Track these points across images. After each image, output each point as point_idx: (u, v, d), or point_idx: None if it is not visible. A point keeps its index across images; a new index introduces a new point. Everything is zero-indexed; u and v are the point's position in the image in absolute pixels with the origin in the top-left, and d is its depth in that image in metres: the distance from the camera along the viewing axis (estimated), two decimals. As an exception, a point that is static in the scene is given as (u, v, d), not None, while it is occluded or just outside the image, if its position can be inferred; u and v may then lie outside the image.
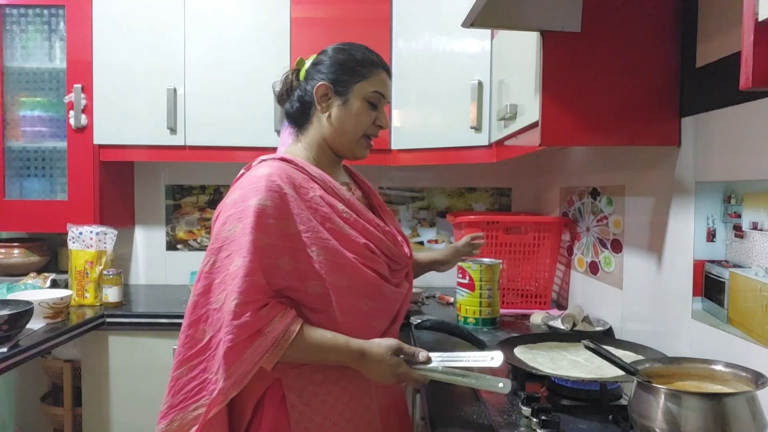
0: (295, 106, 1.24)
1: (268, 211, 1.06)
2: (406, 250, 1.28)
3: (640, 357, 1.08)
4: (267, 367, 1.06)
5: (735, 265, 1.13)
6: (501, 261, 1.89)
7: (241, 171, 1.21)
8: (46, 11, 2.35)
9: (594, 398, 1.13)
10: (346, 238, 1.13)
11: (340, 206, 1.15)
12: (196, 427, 1.07)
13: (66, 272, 2.32)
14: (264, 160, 1.17)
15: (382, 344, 1.09)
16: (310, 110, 1.23)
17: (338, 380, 1.14)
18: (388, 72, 1.25)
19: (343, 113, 1.20)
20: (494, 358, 1.07)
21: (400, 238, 1.28)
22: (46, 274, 2.32)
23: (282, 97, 1.28)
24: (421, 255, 1.63)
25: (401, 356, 1.10)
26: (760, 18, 0.59)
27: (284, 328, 1.05)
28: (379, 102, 1.23)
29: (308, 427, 1.11)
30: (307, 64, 1.25)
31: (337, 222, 1.13)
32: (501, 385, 1.03)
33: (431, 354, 1.11)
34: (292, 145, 1.26)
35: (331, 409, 1.13)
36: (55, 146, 2.37)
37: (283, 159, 1.17)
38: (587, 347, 0.90)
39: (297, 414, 1.11)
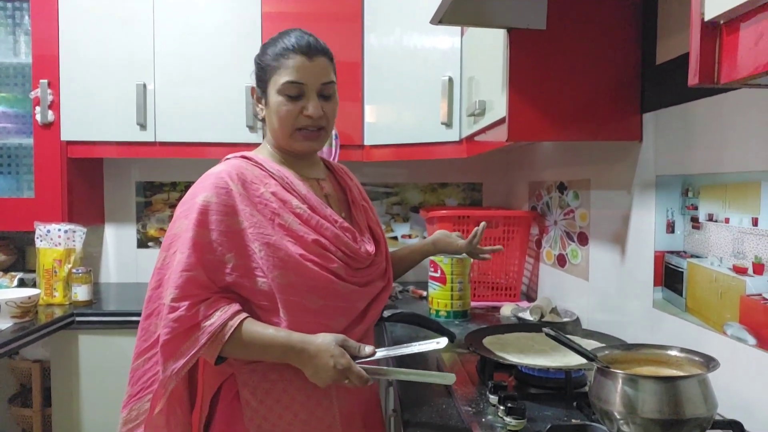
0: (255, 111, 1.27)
1: (211, 207, 1.07)
2: (368, 247, 1.21)
3: (601, 345, 1.11)
4: (210, 361, 1.08)
5: (692, 256, 1.18)
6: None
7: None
8: (9, 4, 2.30)
9: (559, 386, 1.16)
10: (294, 234, 1.10)
11: (295, 202, 1.13)
12: (146, 416, 1.12)
13: (34, 271, 2.28)
14: (227, 159, 1.19)
15: (326, 336, 1.06)
16: (258, 112, 1.24)
17: (293, 380, 1.10)
18: (309, 53, 1.14)
19: (268, 111, 1.18)
20: (440, 342, 1.08)
21: (365, 236, 1.24)
22: (12, 273, 2.28)
23: None
24: (416, 244, 1.57)
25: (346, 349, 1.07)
26: (706, 18, 0.62)
27: (222, 323, 1.04)
28: (298, 91, 1.14)
29: (261, 425, 1.10)
30: None
31: (287, 218, 1.11)
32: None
33: (377, 349, 1.08)
34: (262, 144, 1.26)
35: (286, 408, 1.11)
36: (21, 143, 2.33)
37: (243, 156, 1.18)
38: (548, 335, 0.93)
39: (250, 411, 1.11)
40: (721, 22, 0.62)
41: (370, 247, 1.22)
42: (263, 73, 1.17)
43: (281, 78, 1.13)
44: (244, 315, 1.07)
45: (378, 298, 1.23)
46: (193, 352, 1.04)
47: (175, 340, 1.04)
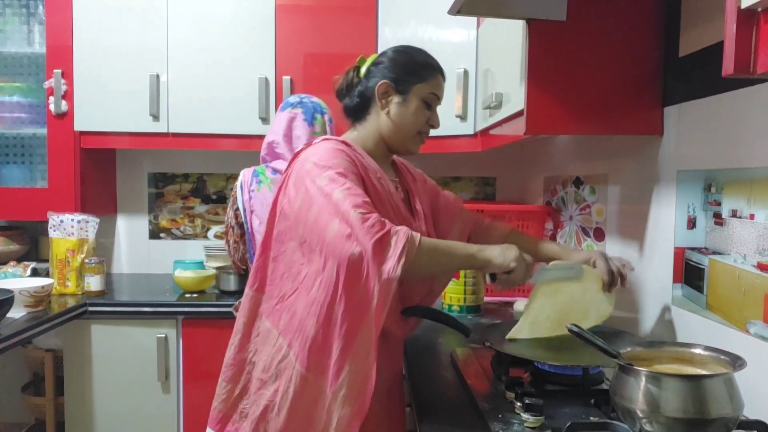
0: (355, 101, 1.30)
1: (344, 167, 1.13)
2: None
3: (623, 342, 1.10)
4: (401, 272, 1.02)
5: (714, 252, 1.15)
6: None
7: (302, 147, 1.25)
8: (24, -6, 2.30)
9: (576, 383, 1.15)
10: (387, 215, 1.17)
11: (386, 197, 1.22)
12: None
13: (47, 261, 2.29)
14: (327, 139, 1.23)
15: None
16: (369, 105, 1.29)
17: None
18: (444, 77, 1.32)
19: (401, 110, 1.26)
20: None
21: None
22: (26, 262, 2.28)
23: (342, 92, 1.34)
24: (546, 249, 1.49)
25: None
26: (743, 5, 0.60)
27: (406, 231, 1.04)
28: (433, 103, 1.29)
29: None
30: (368, 62, 1.32)
31: (387, 207, 1.19)
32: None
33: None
34: (348, 134, 1.31)
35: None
36: (34, 133, 2.33)
37: (343, 142, 1.23)
38: (571, 331, 0.91)
39: None
40: (759, 9, 0.60)
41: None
42: (409, 75, 1.27)
43: (429, 88, 1.27)
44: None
45: (431, 294, 1.31)
46: (398, 252, 1.01)
47: (380, 242, 1.02)
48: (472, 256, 1.12)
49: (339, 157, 1.14)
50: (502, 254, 1.11)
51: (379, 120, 1.28)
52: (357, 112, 1.31)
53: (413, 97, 1.27)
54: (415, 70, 1.28)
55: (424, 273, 1.14)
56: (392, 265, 1.01)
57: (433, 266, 1.11)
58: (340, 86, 1.34)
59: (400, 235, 1.03)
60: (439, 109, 2.11)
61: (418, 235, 1.06)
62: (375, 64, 1.30)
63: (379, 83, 1.26)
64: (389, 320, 1.17)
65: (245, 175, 1.76)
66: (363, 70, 1.31)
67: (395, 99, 1.26)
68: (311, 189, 1.11)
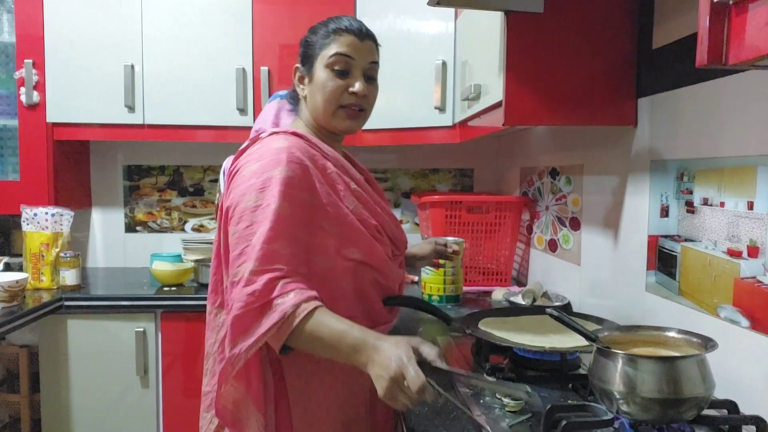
0: (291, 91, 1.27)
1: (292, 181, 1.04)
2: (405, 236, 1.31)
3: (599, 327, 1.12)
4: (275, 347, 1.00)
5: (686, 240, 1.19)
6: (464, 240, 1.93)
7: (246, 143, 1.18)
8: (-9, -18, 2.24)
9: (554, 368, 1.17)
10: (360, 215, 1.14)
11: (352, 184, 1.16)
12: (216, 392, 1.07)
13: (20, 255, 2.25)
14: (275, 132, 1.14)
15: (400, 338, 0.94)
16: (298, 93, 1.23)
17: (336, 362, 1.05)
18: (361, 35, 1.16)
19: (312, 88, 1.18)
20: (528, 393, 0.89)
21: (399, 224, 1.30)
22: (-2, 257, 2.24)
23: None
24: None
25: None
26: (716, -1, 0.62)
27: (296, 303, 0.96)
28: (346, 66, 1.14)
29: (307, 406, 1.12)
30: None
31: (351, 200, 1.14)
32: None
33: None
34: (295, 122, 1.24)
35: (330, 388, 1.14)
36: (5, 124, 2.28)
37: (294, 133, 1.14)
38: (551, 315, 0.94)
39: (296, 393, 1.11)
40: (730, 2, 0.62)
41: (405, 236, 1.31)
42: (310, 49, 1.17)
43: (330, 51, 1.14)
44: (318, 303, 0.99)
45: (402, 282, 1.30)
46: (263, 330, 0.96)
47: (248, 316, 0.97)
48: (353, 351, 0.94)
49: (282, 164, 1.04)
50: (380, 371, 0.89)
51: (306, 105, 1.21)
52: (293, 100, 1.27)
53: (317, 69, 1.16)
54: (315, 41, 1.17)
55: (305, 349, 1.01)
56: (250, 342, 0.96)
57: (312, 350, 1.00)
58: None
59: (276, 311, 0.95)
60: (418, 101, 2.15)
61: (304, 312, 0.95)
62: None
63: (293, 69, 1.22)
64: (373, 312, 1.18)
65: (227, 163, 1.74)
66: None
67: (307, 80, 1.19)
68: (239, 208, 1.04)
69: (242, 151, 1.17)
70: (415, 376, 0.85)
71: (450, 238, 1.84)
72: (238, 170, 1.11)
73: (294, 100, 1.27)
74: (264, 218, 1.01)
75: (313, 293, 1.00)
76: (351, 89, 1.15)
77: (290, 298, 0.97)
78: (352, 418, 1.17)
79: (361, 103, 1.17)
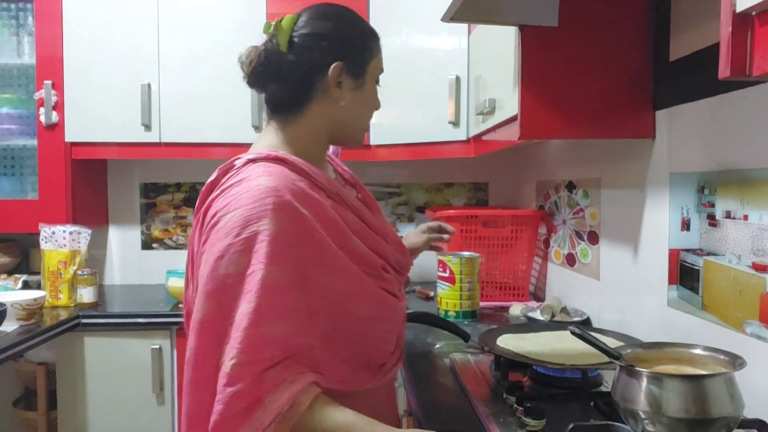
0: (290, 90, 0.97)
1: (282, 237, 0.83)
2: (410, 259, 1.15)
3: (621, 343, 1.10)
4: None
5: (709, 254, 1.16)
6: (480, 255, 1.92)
7: (215, 174, 0.96)
8: (13, 5, 2.29)
9: (575, 386, 1.15)
10: (363, 258, 0.95)
11: (350, 216, 0.96)
12: None
13: (38, 273, 2.27)
14: (253, 160, 0.92)
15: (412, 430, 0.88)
16: (309, 93, 0.97)
17: (359, 400, 0.92)
18: None
19: (358, 98, 1.00)
20: None
21: (404, 247, 1.13)
22: (17, 275, 2.26)
23: (256, 74, 0.98)
24: None
25: None
26: (738, 9, 0.61)
27: (290, 398, 0.80)
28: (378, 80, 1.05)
29: None
30: (287, 29, 0.96)
31: (351, 240, 0.94)
32: None
33: None
34: (272, 136, 1.00)
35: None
36: (25, 144, 2.31)
37: (277, 158, 0.92)
38: (573, 333, 0.92)
39: None
40: (754, 13, 0.61)
41: (409, 256, 1.14)
42: (363, 50, 0.99)
43: (379, 63, 1.02)
44: (317, 390, 0.84)
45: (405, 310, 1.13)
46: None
47: (232, 421, 0.78)
48: None
49: (268, 216, 0.83)
50: None
51: (327, 112, 0.98)
52: (291, 104, 0.98)
53: (369, 78, 1.01)
54: (367, 42, 1.00)
55: None
56: None
57: None
58: (252, 65, 0.98)
59: (268, 411, 0.78)
60: (432, 116, 2.16)
61: (303, 407, 0.80)
62: (303, 34, 0.96)
63: (333, 67, 0.95)
64: (379, 356, 1.02)
65: (204, 189, 1.73)
66: (284, 40, 0.96)
67: (349, 84, 0.98)
68: (219, 273, 0.83)
69: (213, 184, 0.95)
70: None
71: (466, 253, 1.82)
72: (214, 216, 0.88)
73: (293, 104, 0.98)
74: (248, 290, 0.81)
75: (311, 378, 0.84)
76: (377, 105, 1.08)
77: (282, 391, 0.80)
78: None
79: None
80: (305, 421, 0.81)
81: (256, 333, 0.80)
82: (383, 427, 0.84)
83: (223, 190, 0.90)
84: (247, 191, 0.86)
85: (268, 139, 1.00)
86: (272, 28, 0.98)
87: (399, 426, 1.11)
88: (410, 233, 1.52)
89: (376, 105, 1.06)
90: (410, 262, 1.14)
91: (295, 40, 0.96)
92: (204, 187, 0.97)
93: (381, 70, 1.05)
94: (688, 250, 1.24)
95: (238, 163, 0.94)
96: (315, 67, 0.96)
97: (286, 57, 0.96)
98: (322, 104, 0.98)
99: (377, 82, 1.05)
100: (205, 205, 0.93)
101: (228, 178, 0.92)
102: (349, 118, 1.01)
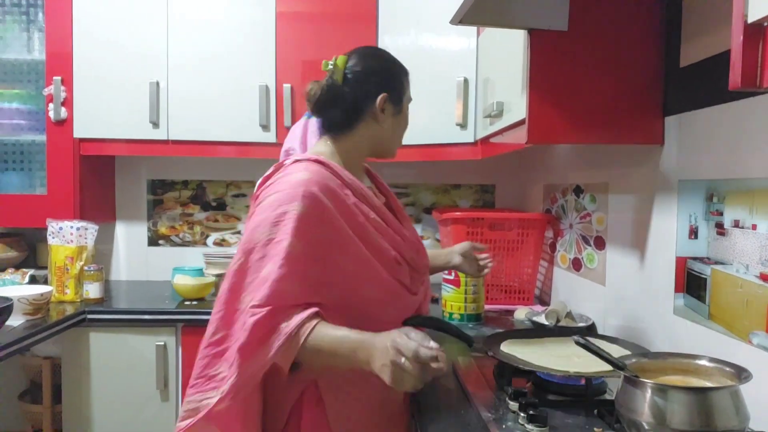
0: (344, 114, 1.22)
1: (306, 218, 1.06)
2: (426, 261, 1.34)
3: (626, 352, 1.09)
4: (284, 367, 1.06)
5: (717, 262, 1.15)
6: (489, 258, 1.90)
7: (271, 169, 1.21)
8: (24, 1, 2.30)
9: (579, 393, 1.14)
10: (378, 248, 1.16)
11: (372, 214, 1.18)
12: (202, 413, 1.08)
13: (44, 268, 2.28)
14: (299, 161, 1.17)
15: (390, 333, 1.01)
16: (360, 117, 1.22)
17: (369, 377, 1.05)
18: None
19: (397, 121, 1.27)
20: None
21: (422, 248, 1.33)
22: (24, 269, 2.27)
23: (320, 102, 1.23)
24: (435, 257, 1.60)
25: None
26: (750, 20, 0.60)
27: (299, 323, 1.02)
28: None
29: (344, 424, 1.16)
30: (341, 67, 1.21)
31: (370, 231, 1.16)
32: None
33: None
34: (323, 147, 1.24)
35: (363, 404, 1.18)
36: (33, 139, 2.32)
37: (318, 161, 1.16)
38: (578, 343, 0.91)
39: (335, 412, 1.15)
40: (766, 24, 0.60)
41: (427, 259, 1.34)
42: (401, 85, 1.27)
43: (409, 91, 1.30)
44: (319, 318, 1.06)
45: (422, 304, 1.31)
46: (269, 356, 1.02)
47: (253, 344, 1.02)
48: (353, 353, 1.02)
49: (298, 200, 1.07)
50: (383, 365, 0.97)
51: (371, 132, 1.24)
52: (343, 126, 1.23)
53: (405, 106, 1.29)
54: (403, 79, 1.29)
55: (312, 363, 1.09)
56: (256, 369, 1.04)
57: (317, 362, 1.08)
58: (317, 96, 1.23)
59: (281, 334, 1.01)
60: (440, 118, 2.15)
61: (308, 330, 1.02)
62: (356, 71, 1.21)
63: (381, 97, 1.21)
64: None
65: (260, 181, 1.76)
66: (339, 76, 1.21)
67: (390, 110, 1.25)
68: (253, 239, 1.08)
69: (267, 178, 1.21)
70: (407, 345, 0.94)
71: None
72: (259, 198, 1.16)
73: (345, 124, 1.23)
74: (275, 254, 1.05)
75: (315, 310, 1.06)
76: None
77: (293, 319, 1.03)
78: (387, 421, 1.23)
79: None
80: (308, 341, 1.02)
81: (277, 286, 1.03)
82: (369, 334, 1.02)
83: (272, 182, 1.16)
84: (287, 180, 1.12)
85: (320, 148, 1.25)
86: (330, 65, 1.23)
87: (407, 395, 1.26)
88: (454, 250, 1.63)
89: (408, 122, 1.32)
90: (425, 261, 1.32)
91: (349, 75, 1.22)
92: (260, 180, 1.22)
93: (410, 99, 1.31)
94: (695, 258, 1.23)
95: (288, 162, 1.20)
96: (365, 96, 1.22)
97: (342, 89, 1.21)
98: (367, 126, 1.24)
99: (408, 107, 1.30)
100: (259, 192, 1.18)
101: (278, 173, 1.18)
102: (388, 137, 1.27)
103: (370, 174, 1.38)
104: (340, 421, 1.16)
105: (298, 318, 1.03)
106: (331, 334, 1.04)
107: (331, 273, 1.10)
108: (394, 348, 0.95)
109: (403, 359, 0.93)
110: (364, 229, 1.14)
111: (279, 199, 1.09)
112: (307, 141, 1.75)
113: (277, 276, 1.03)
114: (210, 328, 1.12)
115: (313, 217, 1.08)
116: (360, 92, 1.21)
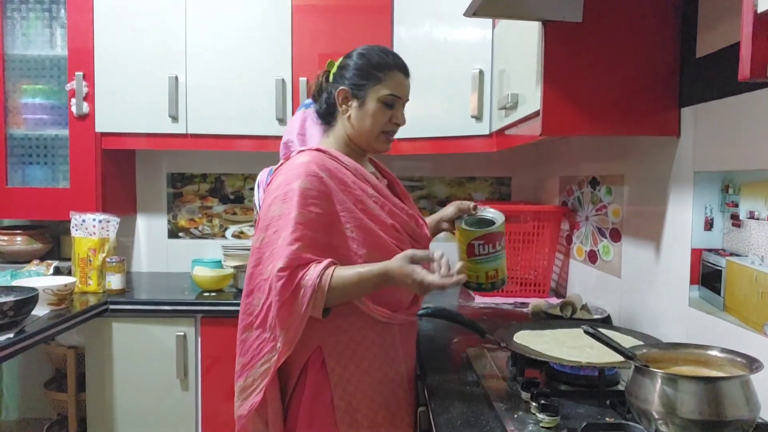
0: (323, 107, 1.38)
1: (309, 191, 1.21)
2: (426, 231, 1.42)
3: (638, 342, 1.10)
4: (318, 315, 1.17)
5: (732, 254, 1.15)
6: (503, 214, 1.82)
7: (282, 161, 1.36)
8: (47, -2, 2.35)
9: (591, 384, 1.15)
10: (377, 218, 1.28)
11: (370, 190, 1.30)
12: (267, 379, 1.23)
13: (68, 260, 2.34)
14: (302, 151, 1.32)
15: (397, 258, 1.17)
16: (335, 111, 1.36)
17: (369, 345, 1.29)
18: (405, 72, 1.36)
19: (360, 114, 1.32)
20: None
21: (421, 221, 1.42)
22: (48, 261, 2.33)
23: (314, 97, 1.42)
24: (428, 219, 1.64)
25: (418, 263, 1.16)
26: (759, 10, 0.60)
27: (318, 274, 1.15)
28: (395, 102, 1.33)
29: (346, 387, 1.27)
30: (336, 66, 1.36)
31: (369, 203, 1.28)
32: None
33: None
34: (324, 139, 1.39)
35: (365, 371, 1.28)
36: (57, 134, 2.38)
37: (318, 150, 1.31)
38: (587, 332, 0.92)
39: (336, 377, 1.27)
40: (776, 14, 0.60)
41: (427, 231, 1.43)
42: (365, 78, 1.32)
43: (384, 89, 1.32)
44: (333, 265, 1.18)
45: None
46: (303, 311, 1.16)
47: (287, 304, 1.16)
48: (381, 275, 1.17)
49: (301, 178, 1.21)
50: (406, 284, 1.15)
51: (344, 124, 1.35)
52: (326, 117, 1.39)
53: (370, 100, 1.32)
54: (370, 72, 1.32)
55: (341, 303, 1.21)
56: (296, 326, 1.17)
57: (346, 298, 1.20)
58: (312, 91, 1.42)
59: (307, 287, 1.15)
60: (455, 110, 2.15)
61: (329, 277, 1.16)
62: (339, 68, 1.35)
63: (338, 90, 1.33)
64: (393, 301, 1.31)
65: (262, 174, 1.78)
66: (331, 74, 1.37)
67: (354, 104, 1.32)
68: (267, 216, 1.23)
69: (277, 169, 1.34)
70: (422, 254, 1.14)
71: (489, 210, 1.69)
72: (270, 185, 1.30)
73: (326, 116, 1.39)
74: (286, 224, 1.19)
75: (328, 260, 1.19)
76: (394, 120, 1.34)
77: (311, 272, 1.16)
78: (390, 399, 1.31)
79: (397, 130, 1.37)
80: (334, 285, 1.16)
81: (291, 250, 1.17)
82: (383, 263, 1.17)
83: (279, 169, 1.32)
84: (291, 165, 1.27)
85: (322, 140, 1.40)
86: (328, 65, 1.38)
87: (414, 355, 1.42)
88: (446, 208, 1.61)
89: (379, 122, 1.32)
90: (425, 233, 1.41)
91: (333, 72, 1.36)
92: (273, 171, 1.36)
93: (393, 97, 1.32)
94: (710, 250, 1.22)
95: (294, 153, 1.34)
96: (334, 92, 1.34)
97: (328, 85, 1.37)
98: (341, 119, 1.36)
99: (388, 103, 1.32)
100: (270, 180, 1.32)
101: (285, 162, 1.32)
102: (356, 129, 1.33)
103: (375, 163, 1.49)
104: (341, 384, 1.27)
105: (316, 270, 1.16)
106: (346, 274, 1.17)
107: (336, 238, 1.23)
108: (411, 266, 1.13)
109: (420, 273, 1.11)
110: (362, 201, 1.27)
111: (285, 180, 1.24)
112: (305, 132, 1.76)
113: (291, 241, 1.17)
114: (244, 312, 1.27)
115: (315, 190, 1.21)
116: (333, 87, 1.35)
